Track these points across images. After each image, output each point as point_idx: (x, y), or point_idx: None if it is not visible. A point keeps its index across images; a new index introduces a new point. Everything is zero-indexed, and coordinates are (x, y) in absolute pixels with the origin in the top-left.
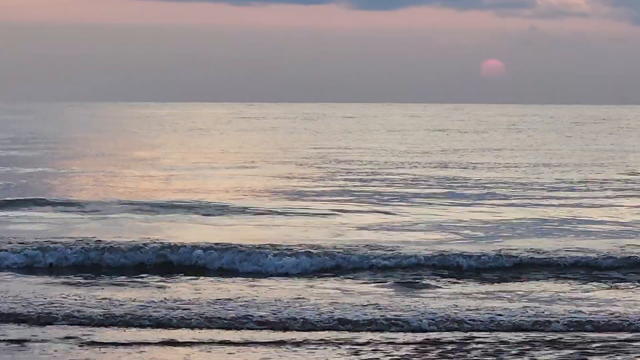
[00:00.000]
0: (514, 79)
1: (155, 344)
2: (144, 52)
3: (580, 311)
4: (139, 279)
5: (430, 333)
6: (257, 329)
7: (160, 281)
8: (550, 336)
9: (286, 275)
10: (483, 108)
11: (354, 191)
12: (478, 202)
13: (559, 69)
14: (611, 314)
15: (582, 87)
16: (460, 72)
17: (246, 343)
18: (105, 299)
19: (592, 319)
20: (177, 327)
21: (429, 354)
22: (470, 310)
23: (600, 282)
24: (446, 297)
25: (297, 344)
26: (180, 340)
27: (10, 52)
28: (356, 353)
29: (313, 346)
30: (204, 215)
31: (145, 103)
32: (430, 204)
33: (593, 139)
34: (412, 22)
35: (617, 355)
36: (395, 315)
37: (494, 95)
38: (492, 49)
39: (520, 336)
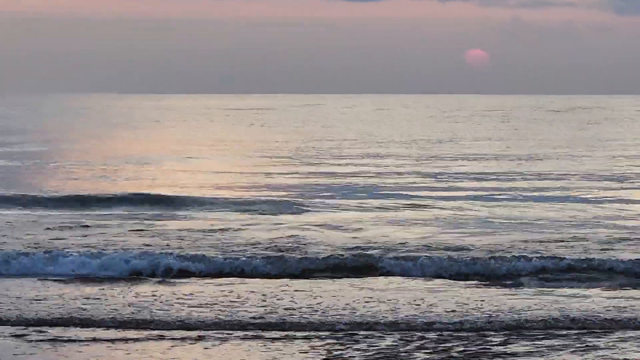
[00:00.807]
0: (499, 69)
1: None
2: (141, 46)
3: None
4: None
5: None
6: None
7: None
8: None
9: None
10: (467, 98)
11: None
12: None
13: (544, 59)
14: None
15: (567, 77)
16: (445, 62)
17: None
18: None
19: None
20: None
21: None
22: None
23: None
24: None
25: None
26: None
27: (7, 46)
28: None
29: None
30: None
31: (145, 95)
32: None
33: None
34: (396, 12)
35: None
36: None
37: (478, 85)
38: (476, 39)
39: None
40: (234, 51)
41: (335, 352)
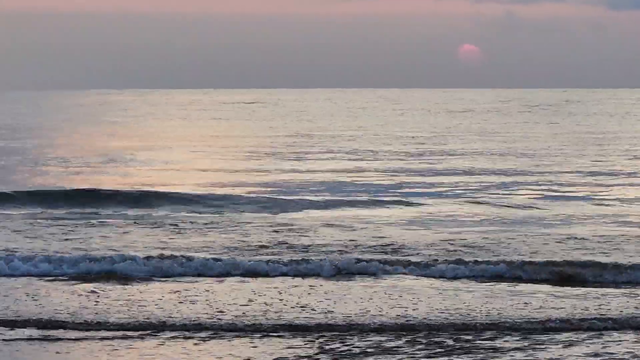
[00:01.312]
0: (491, 64)
1: None
2: (139, 41)
3: None
4: None
5: None
6: None
7: None
8: None
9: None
10: (460, 92)
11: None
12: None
13: (536, 54)
14: None
15: (559, 71)
16: (437, 57)
17: None
18: None
19: None
20: None
21: None
22: None
23: None
24: None
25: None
26: None
27: (5, 42)
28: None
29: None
30: None
31: (141, 90)
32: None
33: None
34: (389, 9)
35: None
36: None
37: (471, 80)
38: (468, 34)
39: None
40: (233, 47)
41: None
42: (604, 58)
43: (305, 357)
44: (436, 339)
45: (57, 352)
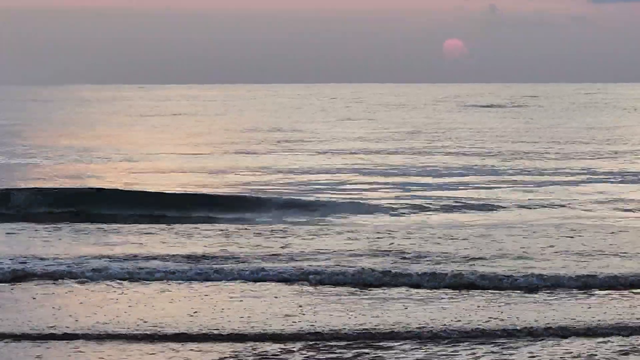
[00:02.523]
0: (475, 59)
1: None
2: (128, 37)
3: None
4: None
5: None
6: None
7: None
8: None
9: None
10: (445, 87)
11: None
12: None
13: (520, 48)
14: None
15: (542, 65)
16: (422, 52)
17: None
18: None
19: None
20: None
21: None
22: None
23: None
24: None
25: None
26: None
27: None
28: None
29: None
30: None
31: (127, 86)
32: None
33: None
34: (373, 3)
35: None
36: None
37: (456, 74)
38: (453, 29)
39: None
40: (231, 44)
41: None
42: (586, 52)
43: None
44: None
45: None
